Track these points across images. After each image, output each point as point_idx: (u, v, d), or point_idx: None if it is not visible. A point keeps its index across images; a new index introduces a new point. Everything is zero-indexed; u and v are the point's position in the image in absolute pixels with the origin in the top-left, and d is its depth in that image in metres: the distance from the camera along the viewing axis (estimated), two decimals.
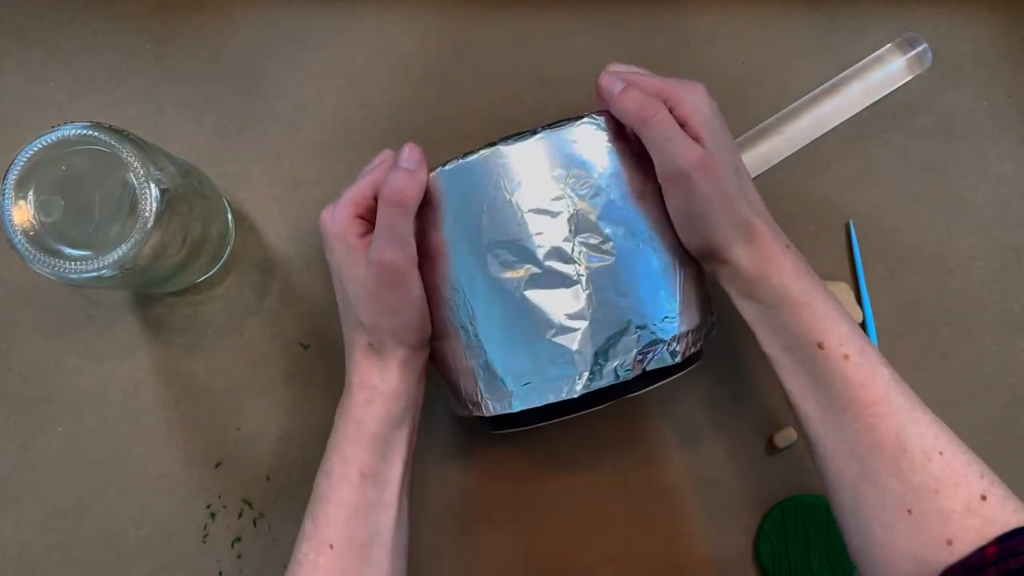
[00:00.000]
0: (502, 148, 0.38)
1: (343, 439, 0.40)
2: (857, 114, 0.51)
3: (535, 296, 0.38)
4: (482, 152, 0.38)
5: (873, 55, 0.51)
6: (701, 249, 0.39)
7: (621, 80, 0.40)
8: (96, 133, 0.40)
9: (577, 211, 0.38)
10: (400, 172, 0.38)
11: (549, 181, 0.38)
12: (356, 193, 0.40)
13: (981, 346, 0.51)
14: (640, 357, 0.38)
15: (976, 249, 0.52)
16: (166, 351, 0.51)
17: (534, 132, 0.38)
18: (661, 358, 0.39)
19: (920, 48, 0.50)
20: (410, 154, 0.39)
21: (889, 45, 0.51)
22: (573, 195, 0.38)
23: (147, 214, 0.40)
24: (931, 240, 0.52)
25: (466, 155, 0.38)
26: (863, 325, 0.51)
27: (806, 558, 0.48)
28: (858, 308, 0.50)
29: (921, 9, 0.54)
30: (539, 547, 0.50)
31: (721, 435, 0.51)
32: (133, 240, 0.40)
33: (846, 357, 0.37)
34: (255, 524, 0.50)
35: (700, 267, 0.42)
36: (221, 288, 0.52)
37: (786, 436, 0.50)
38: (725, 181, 0.38)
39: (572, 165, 0.38)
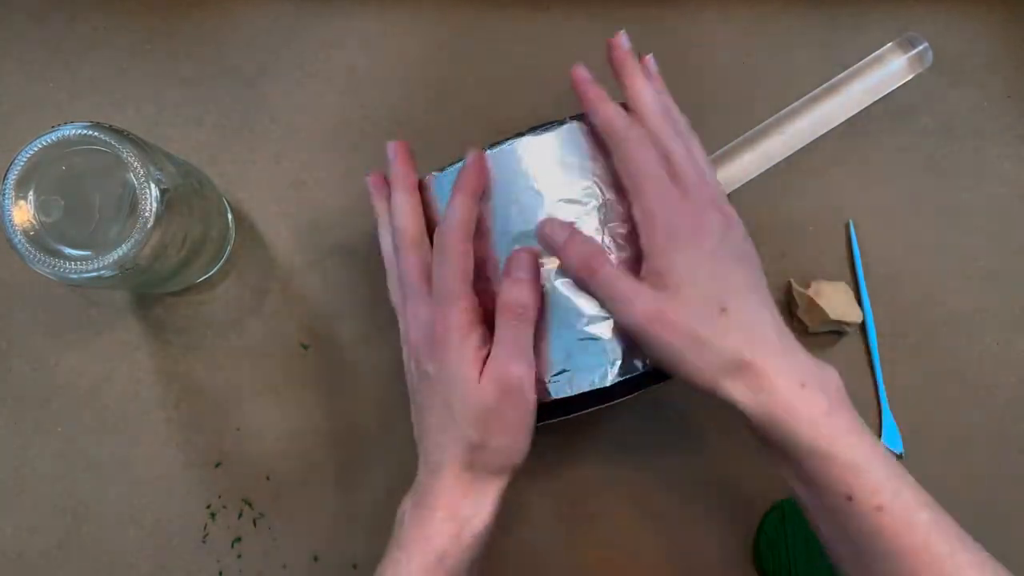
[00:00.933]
0: (530, 138, 0.38)
1: (417, 569, 0.36)
2: (857, 114, 0.51)
3: (566, 287, 0.38)
4: (510, 142, 0.38)
5: (873, 54, 0.51)
6: (697, 389, 0.36)
7: (565, 227, 0.37)
8: (96, 133, 0.40)
9: (606, 201, 0.38)
10: (521, 284, 0.37)
11: (578, 171, 0.38)
12: (463, 289, 0.37)
13: (981, 346, 0.51)
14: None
15: (976, 249, 0.52)
16: (166, 351, 0.51)
17: (562, 122, 0.38)
18: (643, 372, 0.38)
19: (921, 47, 0.50)
20: (526, 263, 0.37)
21: (889, 44, 0.51)
22: (602, 185, 0.38)
23: (147, 214, 0.40)
24: (931, 240, 0.52)
25: (492, 146, 0.38)
26: (863, 326, 0.51)
27: (806, 558, 0.48)
28: (858, 308, 0.50)
29: (921, 9, 0.53)
30: (537, 546, 0.50)
31: (721, 435, 0.50)
32: (133, 240, 0.40)
33: (879, 508, 0.33)
34: (255, 524, 0.50)
35: None
36: (221, 288, 0.52)
37: None
38: (692, 323, 0.34)
39: (600, 155, 0.38)
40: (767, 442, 0.35)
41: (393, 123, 0.53)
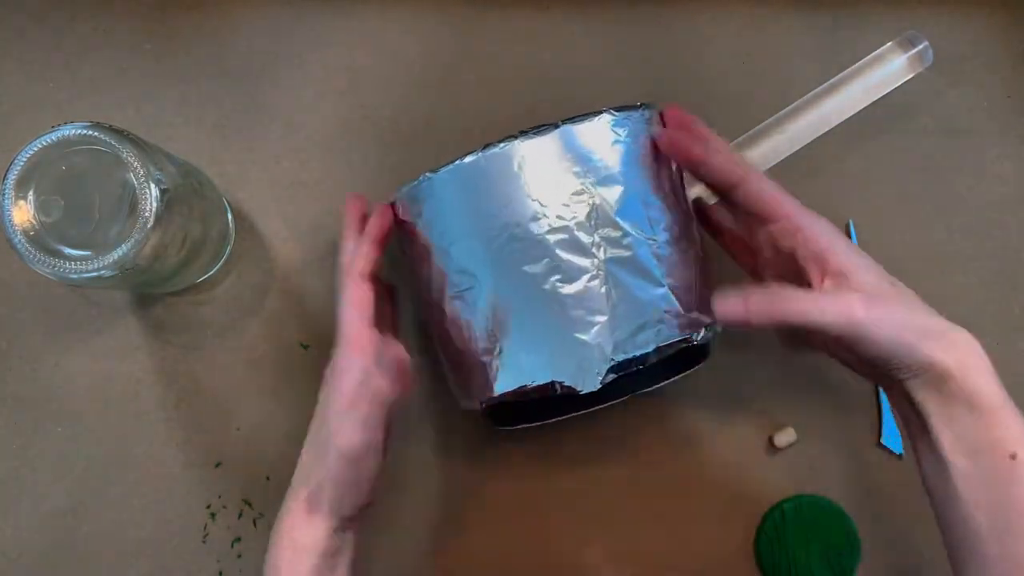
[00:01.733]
0: (520, 143, 0.38)
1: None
2: (857, 114, 0.51)
3: (554, 290, 0.38)
4: (500, 146, 0.38)
5: (873, 54, 0.50)
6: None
7: (738, 303, 0.38)
8: (96, 133, 0.40)
9: (596, 205, 0.38)
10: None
11: (568, 176, 0.38)
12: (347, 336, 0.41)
13: (983, 347, 0.50)
14: (656, 352, 0.38)
15: (976, 249, 0.52)
16: (166, 351, 0.51)
17: (554, 126, 0.38)
18: (677, 352, 0.39)
19: (921, 46, 0.49)
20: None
21: (890, 44, 0.50)
22: (592, 190, 0.38)
23: (147, 214, 0.40)
24: (931, 240, 0.52)
25: (485, 148, 0.38)
26: None
27: (806, 558, 0.48)
28: None
29: (921, 8, 0.53)
30: (539, 545, 0.50)
31: (722, 435, 0.50)
32: (133, 240, 0.39)
33: None
34: (255, 524, 0.50)
35: (713, 263, 0.42)
36: (221, 288, 0.52)
37: (786, 437, 0.50)
38: (889, 303, 0.37)
39: (591, 160, 0.38)
40: (938, 394, 0.36)
41: (393, 122, 0.53)
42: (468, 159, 0.38)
